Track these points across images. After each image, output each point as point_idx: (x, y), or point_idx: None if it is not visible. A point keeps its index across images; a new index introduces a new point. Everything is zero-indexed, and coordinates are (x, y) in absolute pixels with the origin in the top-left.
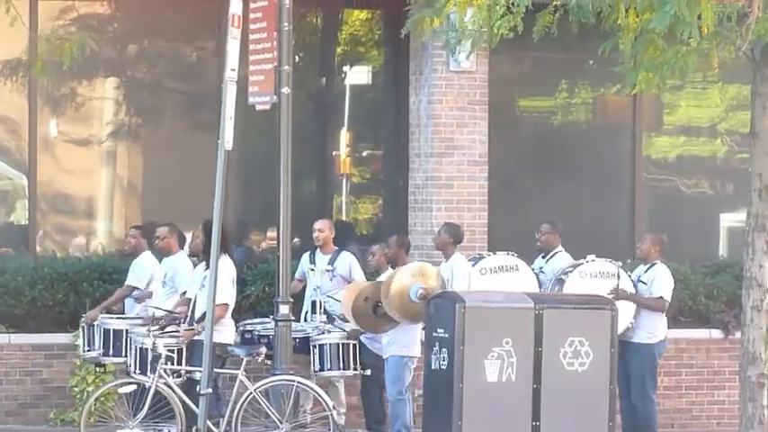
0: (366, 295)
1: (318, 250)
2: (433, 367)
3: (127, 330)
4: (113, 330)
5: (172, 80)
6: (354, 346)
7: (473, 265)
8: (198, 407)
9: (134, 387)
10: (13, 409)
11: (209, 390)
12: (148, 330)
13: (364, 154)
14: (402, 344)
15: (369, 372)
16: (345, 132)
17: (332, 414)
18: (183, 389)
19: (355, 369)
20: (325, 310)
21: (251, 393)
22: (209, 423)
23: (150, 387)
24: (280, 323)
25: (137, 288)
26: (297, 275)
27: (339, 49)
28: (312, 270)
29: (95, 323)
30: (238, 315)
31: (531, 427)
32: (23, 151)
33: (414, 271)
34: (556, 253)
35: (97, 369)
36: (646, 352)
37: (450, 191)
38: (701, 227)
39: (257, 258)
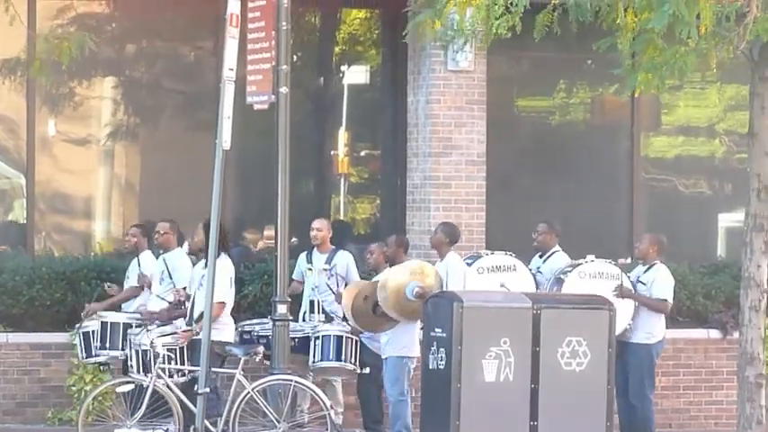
0: (365, 294)
1: (315, 249)
2: (430, 367)
3: (125, 324)
4: (111, 324)
5: (170, 80)
6: (355, 342)
7: (470, 264)
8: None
9: (132, 386)
10: (11, 409)
11: (207, 389)
12: (146, 329)
13: (362, 153)
14: (401, 344)
15: (368, 370)
16: (343, 132)
17: (329, 413)
18: (184, 388)
19: (354, 364)
20: (323, 309)
21: (248, 393)
22: (206, 422)
23: (148, 386)
24: (277, 323)
25: (142, 288)
26: (294, 276)
27: (337, 49)
28: (310, 269)
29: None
30: (236, 314)
31: (528, 427)
32: (21, 151)
33: (412, 269)
34: (553, 253)
35: (101, 368)
36: (644, 352)
37: (447, 190)
38: (699, 227)
39: (255, 258)
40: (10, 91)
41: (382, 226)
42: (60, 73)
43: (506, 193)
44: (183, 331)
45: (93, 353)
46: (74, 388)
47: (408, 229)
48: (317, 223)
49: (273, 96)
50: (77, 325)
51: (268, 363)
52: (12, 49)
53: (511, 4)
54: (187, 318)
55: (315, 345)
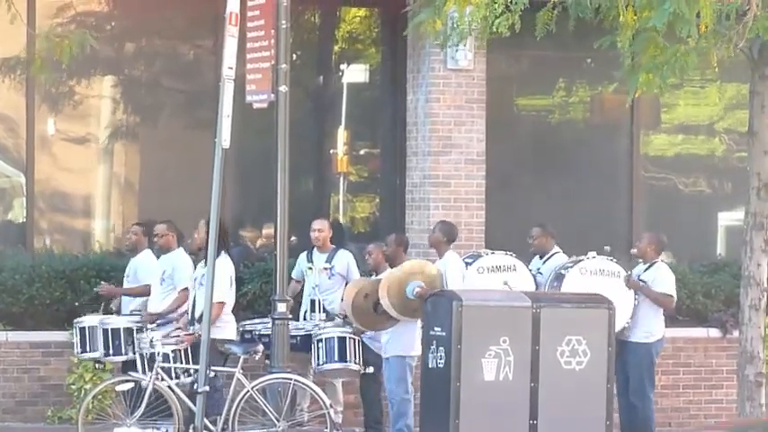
0: (366, 292)
1: (316, 249)
2: (430, 366)
3: (128, 329)
4: (111, 330)
5: (169, 78)
6: (357, 342)
7: (470, 264)
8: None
9: (131, 385)
10: (11, 407)
11: (206, 388)
12: (146, 328)
13: (362, 152)
14: (402, 343)
15: (371, 369)
16: (343, 130)
17: (329, 412)
18: (187, 387)
19: (357, 364)
20: (324, 308)
21: (248, 391)
22: (206, 421)
23: (147, 385)
24: (276, 321)
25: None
26: (294, 276)
27: (337, 47)
28: (310, 269)
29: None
30: (236, 313)
31: (528, 426)
32: (21, 149)
33: (414, 268)
34: (553, 254)
35: (96, 366)
36: (643, 351)
37: (447, 189)
38: (698, 225)
39: (254, 257)
40: (9, 89)
41: (382, 225)
42: (60, 72)
43: (506, 191)
44: (187, 334)
45: (89, 348)
46: (73, 386)
47: (408, 228)
48: (317, 224)
49: (273, 95)
50: (75, 320)
51: (268, 361)
52: (12, 48)
53: (511, 2)
54: (189, 318)
55: (318, 347)
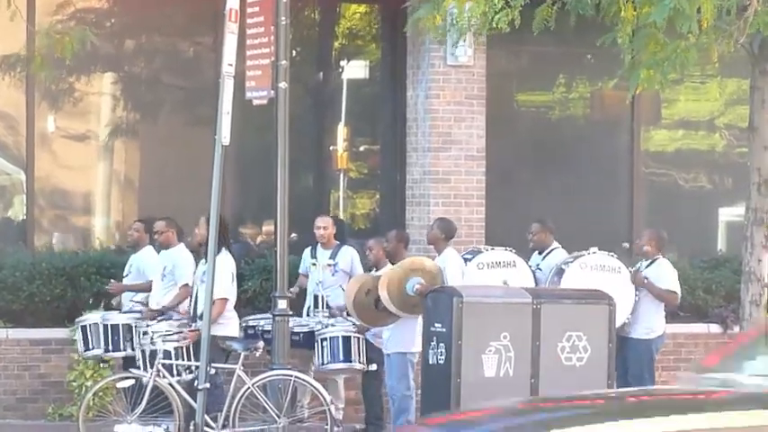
0: (368, 288)
1: (320, 245)
2: (430, 362)
3: (127, 325)
4: (111, 326)
5: (169, 75)
6: (361, 341)
7: (470, 260)
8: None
9: (132, 382)
10: (12, 404)
11: (207, 384)
12: (147, 324)
13: (361, 148)
14: (403, 340)
15: (374, 367)
16: (343, 127)
17: (329, 409)
18: (188, 384)
19: (361, 362)
20: (327, 304)
21: (249, 388)
22: (206, 417)
23: (148, 382)
24: (277, 318)
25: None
26: (301, 271)
27: (336, 44)
28: (314, 265)
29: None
30: (237, 310)
31: None
32: (21, 146)
33: (414, 264)
34: (552, 250)
35: (101, 364)
36: (643, 347)
37: (447, 185)
38: (699, 221)
39: (254, 253)
40: (9, 87)
41: (381, 221)
42: (60, 69)
43: (506, 187)
44: (191, 331)
45: (92, 346)
46: (74, 383)
47: (408, 224)
48: (321, 221)
49: (273, 91)
50: (77, 319)
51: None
52: (12, 45)
53: None
54: (191, 314)
55: (321, 346)
